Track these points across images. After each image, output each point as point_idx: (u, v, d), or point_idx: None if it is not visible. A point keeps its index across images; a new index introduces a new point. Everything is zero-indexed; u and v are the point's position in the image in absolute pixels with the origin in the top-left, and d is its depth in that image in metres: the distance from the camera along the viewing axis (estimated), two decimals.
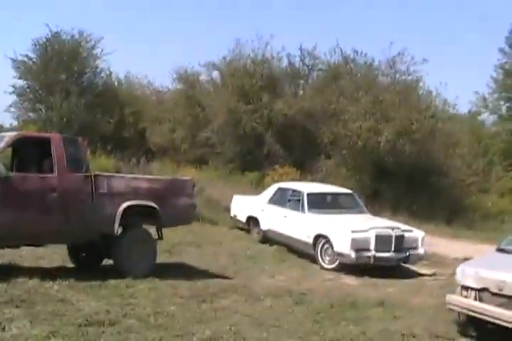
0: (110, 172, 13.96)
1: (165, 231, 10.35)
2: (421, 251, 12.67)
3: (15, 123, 30.19)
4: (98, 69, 29.86)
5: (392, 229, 12.51)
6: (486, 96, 32.24)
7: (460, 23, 55.73)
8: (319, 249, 12.64)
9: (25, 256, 10.37)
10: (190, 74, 28.87)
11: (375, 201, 18.72)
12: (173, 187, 10.31)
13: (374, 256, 12.02)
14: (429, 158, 21.72)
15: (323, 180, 20.29)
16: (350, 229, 12.22)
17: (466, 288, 8.04)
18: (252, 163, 24.32)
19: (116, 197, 9.36)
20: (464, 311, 8.04)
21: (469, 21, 54.47)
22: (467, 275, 8.07)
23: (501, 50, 33.77)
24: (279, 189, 14.89)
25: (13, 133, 9.44)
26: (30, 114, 29.48)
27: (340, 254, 12.14)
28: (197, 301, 8.36)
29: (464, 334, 8.15)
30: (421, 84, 22.86)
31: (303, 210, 13.46)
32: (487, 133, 31.06)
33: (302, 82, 27.17)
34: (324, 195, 14.48)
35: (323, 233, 12.60)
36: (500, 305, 7.61)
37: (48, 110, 28.13)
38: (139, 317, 7.19)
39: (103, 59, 29.42)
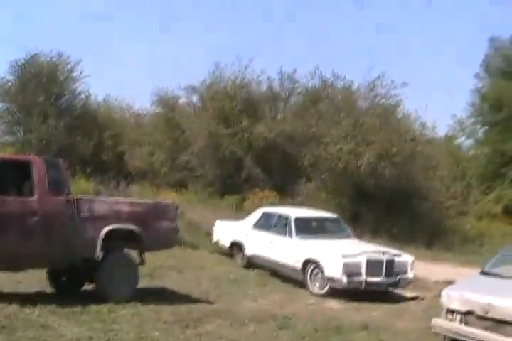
0: (90, 195, 13.83)
1: (146, 255, 10.22)
2: (410, 275, 12.62)
3: None
4: (77, 92, 29.74)
5: (383, 253, 12.47)
6: (463, 120, 32.70)
7: (438, 47, 56.59)
8: (309, 274, 12.49)
9: (4, 281, 10.11)
10: (169, 97, 28.87)
11: (355, 224, 18.68)
12: (155, 211, 10.21)
13: (365, 281, 11.93)
14: (409, 181, 21.85)
15: (303, 204, 20.32)
16: (341, 254, 12.13)
17: (451, 311, 8.06)
18: (231, 187, 24.26)
19: (98, 221, 9.25)
20: (450, 334, 8.05)
21: (447, 46, 55.29)
22: (452, 298, 8.09)
23: (477, 75, 34.40)
24: (264, 214, 14.72)
25: None
26: (7, 137, 29.22)
27: (331, 279, 12.02)
28: (181, 326, 8.27)
29: None
30: (400, 107, 23.11)
31: (290, 235, 13.32)
32: (465, 157, 31.42)
33: (282, 105, 27.29)
34: (311, 219, 14.31)
35: (313, 258, 12.46)
36: (485, 328, 7.64)
37: (26, 132, 27.91)
38: None
39: (82, 81, 29.36)
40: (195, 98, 28.08)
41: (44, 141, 26.59)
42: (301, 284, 12.85)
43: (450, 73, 55.62)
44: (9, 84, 28.10)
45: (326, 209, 17.23)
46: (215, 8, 59.05)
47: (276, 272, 13.45)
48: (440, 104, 45.91)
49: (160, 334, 7.64)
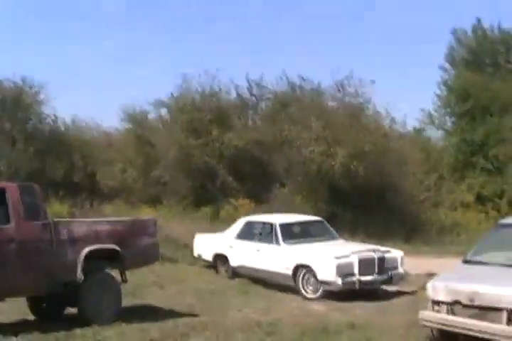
0: (64, 218, 13.67)
1: (126, 273, 10.08)
2: (401, 270, 12.68)
3: None
4: (43, 115, 29.49)
5: (373, 251, 12.49)
6: (432, 112, 33.03)
7: (403, 40, 57.09)
8: (300, 279, 12.44)
9: None
10: (138, 113, 28.75)
11: (332, 225, 18.67)
12: (134, 228, 10.13)
13: (359, 281, 11.94)
14: (383, 178, 21.96)
15: (279, 209, 20.31)
16: (333, 256, 12.11)
17: (437, 302, 8.07)
18: (206, 198, 24.19)
19: (77, 243, 9.12)
20: (437, 326, 8.07)
21: (411, 39, 55.75)
22: (438, 289, 8.10)
23: (442, 67, 34.80)
24: (247, 223, 14.58)
25: None
26: None
27: (325, 282, 11.98)
28: None
29: None
30: (370, 105, 23.23)
31: (277, 242, 13.25)
32: (435, 149, 31.68)
33: (251, 112, 27.34)
34: (296, 224, 14.17)
35: (304, 263, 12.41)
36: (472, 317, 7.67)
37: None
38: None
39: (48, 104, 29.11)
40: (163, 112, 28.07)
41: (13, 167, 26.25)
42: (283, 289, 12.89)
43: (417, 66, 56.08)
44: None
45: (303, 213, 17.24)
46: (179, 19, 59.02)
47: (265, 280, 13.32)
48: (409, 97, 46.34)
49: None
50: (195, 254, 15.60)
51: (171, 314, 10.32)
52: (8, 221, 8.66)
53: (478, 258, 8.81)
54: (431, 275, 12.37)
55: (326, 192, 21.76)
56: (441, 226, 22.45)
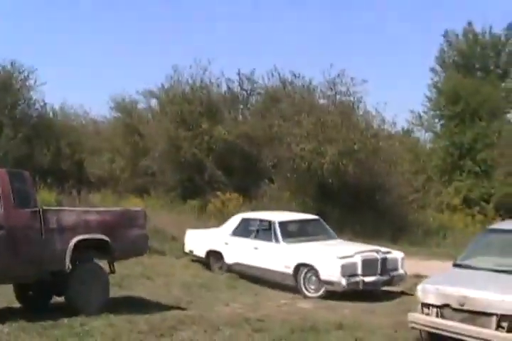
0: (52, 206, 13.54)
1: (114, 264, 10.05)
2: (402, 271, 12.58)
3: None
4: (32, 101, 29.21)
5: (376, 252, 12.43)
6: (422, 114, 33.17)
7: (396, 43, 57.35)
8: (302, 278, 12.30)
9: None
10: (127, 103, 28.61)
11: None
12: (124, 219, 10.03)
13: (363, 281, 11.85)
14: (372, 177, 21.98)
15: (267, 205, 20.28)
16: (337, 256, 12.00)
17: (427, 305, 8.08)
18: (194, 190, 24.09)
19: (66, 232, 9.02)
20: (426, 329, 8.08)
21: (405, 41, 56.10)
22: (428, 292, 8.12)
23: (432, 70, 34.96)
24: (244, 220, 14.33)
25: None
26: None
27: (328, 282, 11.85)
28: (156, 335, 8.13)
29: None
30: (361, 104, 23.22)
31: (277, 240, 13.08)
32: (424, 151, 31.81)
33: (241, 106, 27.25)
34: (295, 222, 14.06)
35: (306, 262, 12.27)
36: (462, 321, 7.70)
37: None
38: None
39: (37, 90, 28.85)
40: (153, 102, 27.91)
41: (1, 152, 26.00)
42: (271, 285, 12.86)
43: (408, 67, 56.36)
44: None
45: (291, 209, 17.24)
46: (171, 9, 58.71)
47: (262, 279, 13.12)
48: (399, 98, 46.55)
49: None
50: (187, 250, 15.29)
51: (159, 306, 10.27)
52: None
53: (467, 262, 8.85)
54: (418, 276, 12.42)
55: (314, 189, 21.74)
56: (428, 228, 22.52)
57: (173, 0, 59.79)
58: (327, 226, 14.22)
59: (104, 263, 9.93)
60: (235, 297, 11.75)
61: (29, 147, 27.02)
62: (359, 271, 11.90)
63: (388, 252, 12.67)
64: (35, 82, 28.38)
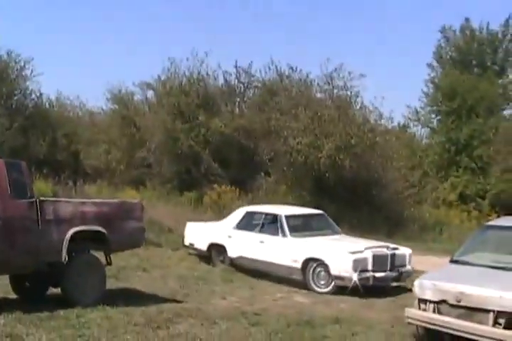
0: (48, 196, 13.48)
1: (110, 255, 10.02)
2: (409, 268, 12.52)
3: None
4: (28, 91, 29.04)
5: (386, 248, 12.42)
6: (418, 109, 33.16)
7: (394, 38, 57.32)
8: (310, 273, 12.23)
9: None
10: (124, 94, 28.46)
11: None
12: (121, 211, 9.99)
13: (373, 277, 11.79)
14: (368, 172, 21.97)
15: (264, 198, 20.27)
16: (348, 251, 11.96)
17: (424, 300, 8.10)
18: (190, 183, 24.04)
19: (63, 223, 8.98)
20: (423, 324, 8.10)
21: (403, 38, 56.02)
22: (425, 288, 8.13)
23: (429, 65, 34.96)
24: (248, 213, 14.18)
25: None
26: None
27: (338, 277, 11.79)
28: (152, 328, 8.09)
29: None
30: (358, 99, 23.16)
31: (283, 234, 12.98)
32: (420, 146, 31.83)
33: (238, 99, 27.17)
34: (300, 216, 13.95)
35: (316, 256, 12.20)
36: (458, 317, 7.71)
37: None
38: None
39: (33, 80, 28.66)
40: (150, 94, 27.82)
41: None
42: (268, 279, 12.82)
43: (405, 63, 56.34)
44: None
45: (287, 203, 17.22)
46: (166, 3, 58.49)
47: (267, 273, 12.97)
48: (396, 94, 46.56)
49: (132, 338, 7.47)
50: (187, 243, 15.08)
51: (155, 299, 10.26)
52: None
53: (465, 258, 8.88)
54: (416, 272, 12.41)
55: (311, 183, 21.73)
56: (424, 224, 22.54)
57: None
58: (331, 221, 14.13)
59: (100, 255, 9.89)
60: (232, 290, 11.73)
61: (25, 137, 26.87)
62: (370, 266, 11.83)
63: (396, 248, 12.62)
64: (32, 72, 28.23)
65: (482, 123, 29.58)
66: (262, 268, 13.11)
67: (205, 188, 23.11)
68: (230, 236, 14.01)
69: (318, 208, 15.59)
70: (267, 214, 13.75)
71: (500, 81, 33.86)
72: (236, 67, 26.36)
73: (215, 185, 22.57)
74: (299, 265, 12.38)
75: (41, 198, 9.13)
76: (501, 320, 7.40)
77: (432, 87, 33.56)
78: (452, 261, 8.93)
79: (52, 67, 47.80)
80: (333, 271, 11.86)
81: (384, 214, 21.10)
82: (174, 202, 22.06)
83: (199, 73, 25.45)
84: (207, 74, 25.67)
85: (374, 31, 57.77)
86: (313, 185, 21.63)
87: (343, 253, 11.98)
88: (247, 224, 14.00)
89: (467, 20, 34.34)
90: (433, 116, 32.90)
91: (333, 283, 11.93)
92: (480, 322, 7.51)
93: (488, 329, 7.44)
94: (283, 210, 13.85)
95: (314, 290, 12.12)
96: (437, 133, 31.60)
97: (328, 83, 23.02)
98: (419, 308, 8.15)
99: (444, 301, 7.86)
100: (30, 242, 8.64)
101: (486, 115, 30.06)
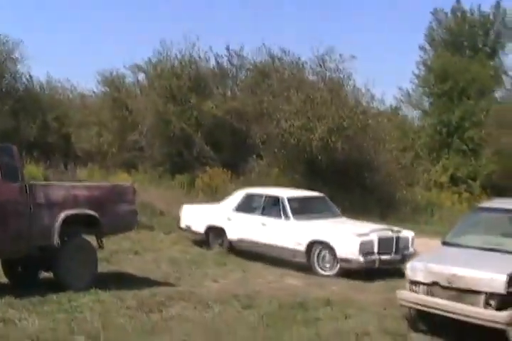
0: (39, 180, 13.44)
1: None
2: (412, 250, 12.49)
3: None
4: (18, 74, 28.85)
5: (391, 231, 12.42)
6: (410, 91, 33.10)
7: (385, 21, 57.08)
8: (315, 256, 12.18)
9: None
10: (115, 77, 28.25)
11: None
12: (113, 194, 9.98)
13: (379, 259, 11.80)
14: (361, 154, 21.92)
15: (256, 181, 20.22)
16: (355, 234, 11.96)
17: (415, 282, 8.12)
18: (182, 166, 23.97)
19: (54, 207, 8.96)
20: (415, 306, 8.12)
21: (394, 20, 55.75)
22: (416, 270, 8.15)
23: (421, 48, 34.83)
24: (248, 195, 13.99)
25: None
26: None
27: (345, 260, 11.75)
28: (145, 311, 8.13)
29: (415, 330, 8.24)
30: (350, 81, 23.05)
31: (286, 216, 12.88)
32: (412, 128, 31.81)
33: (230, 82, 27.04)
34: (302, 199, 13.77)
35: (321, 239, 12.13)
36: (450, 298, 7.74)
37: None
38: (88, 333, 6.90)
39: (24, 63, 28.46)
40: (141, 77, 27.63)
41: None
42: (261, 261, 12.82)
43: (397, 45, 56.18)
44: None
45: (280, 185, 17.18)
46: None
47: (269, 255, 12.86)
48: (388, 75, 46.47)
49: (125, 321, 7.49)
50: (183, 225, 14.83)
51: (147, 282, 10.25)
52: None
53: (456, 240, 8.89)
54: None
55: (303, 166, 21.69)
56: (416, 206, 22.58)
57: None
58: (331, 204, 14.05)
59: (92, 239, 9.86)
60: (224, 273, 11.73)
61: (15, 120, 26.76)
62: (375, 249, 11.84)
63: (399, 231, 12.61)
64: (22, 55, 28.02)
65: (473, 105, 29.57)
66: (264, 251, 13.01)
67: (197, 171, 23.07)
68: (229, 219, 13.86)
69: (311, 190, 15.56)
70: (267, 197, 13.60)
71: (491, 63, 33.77)
72: (228, 49, 26.25)
73: (208, 168, 22.54)
74: (303, 248, 12.32)
75: (32, 182, 9.10)
76: (492, 302, 7.44)
77: (423, 69, 33.48)
78: (444, 243, 8.94)
79: (42, 50, 47.38)
80: (340, 254, 11.83)
81: (376, 196, 21.11)
82: (166, 185, 22.03)
83: (191, 56, 25.28)
84: (199, 57, 25.52)
85: (365, 13, 57.44)
86: (306, 168, 21.59)
87: (349, 236, 11.96)
88: (247, 206, 13.85)
89: (458, 1, 34.20)
90: (425, 98, 32.83)
91: (338, 265, 11.90)
92: (471, 304, 7.54)
93: (479, 310, 7.48)
94: (284, 192, 13.73)
95: (319, 273, 12.08)
96: (429, 115, 31.57)
97: (320, 65, 22.91)
98: (411, 290, 8.17)
99: (435, 283, 7.88)
100: (21, 226, 8.62)
101: (477, 97, 30.03)
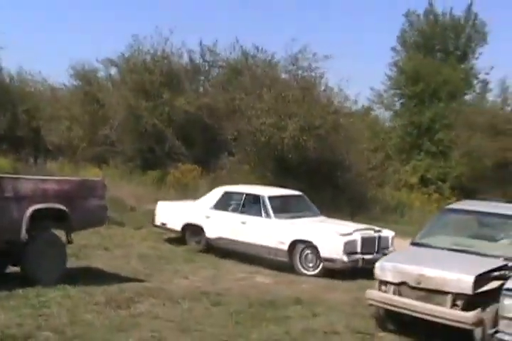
0: (8, 173, 13.22)
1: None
2: (392, 250, 12.44)
3: None
4: None
5: (373, 230, 12.46)
6: (382, 92, 33.26)
7: (360, 23, 57.39)
8: (298, 255, 12.13)
9: None
10: (87, 71, 28.00)
11: None
12: (83, 189, 9.86)
13: (363, 259, 11.79)
14: (332, 153, 22.00)
15: (227, 177, 20.22)
16: (338, 233, 11.94)
17: (384, 282, 8.18)
18: (153, 161, 23.87)
19: (22, 201, 8.80)
20: (384, 306, 8.19)
21: (368, 22, 56.04)
22: (385, 270, 8.21)
23: (393, 49, 35.03)
24: (226, 193, 13.84)
25: None
26: None
27: (328, 260, 11.73)
28: (113, 307, 8.05)
29: (383, 329, 8.32)
30: (323, 80, 23.10)
31: (267, 215, 12.80)
32: (383, 129, 32.02)
33: (203, 78, 26.97)
34: (282, 197, 13.71)
35: (305, 238, 12.09)
36: (418, 299, 7.82)
37: None
38: (55, 328, 6.82)
39: None
40: (113, 71, 27.42)
41: None
42: (231, 258, 12.82)
43: (370, 46, 56.56)
44: None
45: (250, 183, 17.16)
46: None
47: (252, 255, 12.77)
48: (361, 76, 46.69)
49: (93, 317, 7.42)
50: (158, 223, 14.60)
51: (116, 278, 10.16)
52: None
53: (425, 241, 8.99)
54: None
55: (274, 163, 21.68)
56: (386, 206, 22.74)
57: None
58: (311, 203, 13.97)
59: (61, 233, 9.74)
60: (194, 270, 11.67)
61: None
62: (359, 248, 11.86)
63: (380, 231, 12.65)
64: None
65: (444, 108, 29.85)
66: (243, 250, 12.90)
67: (169, 167, 22.99)
68: (207, 217, 13.69)
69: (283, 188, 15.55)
70: (247, 195, 13.45)
71: (462, 66, 34.13)
72: (201, 45, 26.19)
73: (179, 164, 22.45)
74: (285, 247, 12.25)
75: (0, 175, 8.95)
76: (459, 302, 7.55)
77: (395, 70, 33.69)
78: (413, 244, 9.03)
79: (14, 41, 46.71)
80: (323, 253, 11.80)
81: (347, 195, 21.19)
82: (137, 180, 21.90)
83: (163, 51, 25.15)
84: (171, 52, 25.40)
85: (338, 13, 57.68)
86: (276, 165, 21.59)
87: (333, 235, 11.94)
88: (225, 204, 13.69)
89: (431, 4, 34.46)
90: (396, 99, 33.07)
91: (321, 265, 11.89)
92: (439, 304, 7.64)
93: (446, 310, 7.57)
94: (264, 191, 13.63)
95: (301, 273, 12.03)
96: (400, 116, 31.81)
97: (293, 64, 22.93)
98: (380, 290, 8.24)
99: (404, 283, 7.96)
100: None
101: (448, 100, 30.33)
